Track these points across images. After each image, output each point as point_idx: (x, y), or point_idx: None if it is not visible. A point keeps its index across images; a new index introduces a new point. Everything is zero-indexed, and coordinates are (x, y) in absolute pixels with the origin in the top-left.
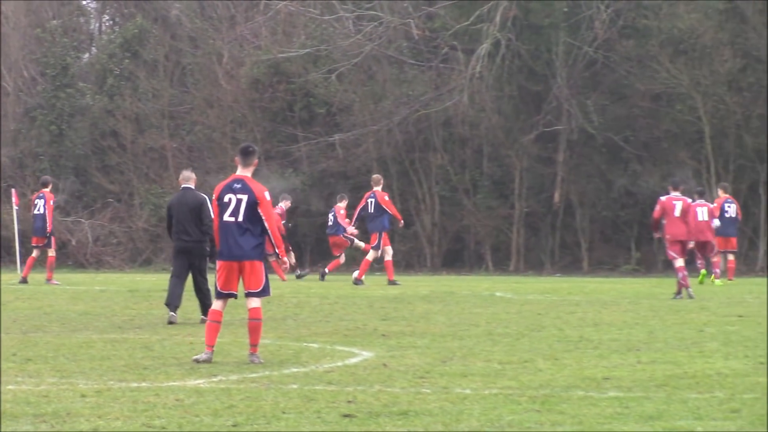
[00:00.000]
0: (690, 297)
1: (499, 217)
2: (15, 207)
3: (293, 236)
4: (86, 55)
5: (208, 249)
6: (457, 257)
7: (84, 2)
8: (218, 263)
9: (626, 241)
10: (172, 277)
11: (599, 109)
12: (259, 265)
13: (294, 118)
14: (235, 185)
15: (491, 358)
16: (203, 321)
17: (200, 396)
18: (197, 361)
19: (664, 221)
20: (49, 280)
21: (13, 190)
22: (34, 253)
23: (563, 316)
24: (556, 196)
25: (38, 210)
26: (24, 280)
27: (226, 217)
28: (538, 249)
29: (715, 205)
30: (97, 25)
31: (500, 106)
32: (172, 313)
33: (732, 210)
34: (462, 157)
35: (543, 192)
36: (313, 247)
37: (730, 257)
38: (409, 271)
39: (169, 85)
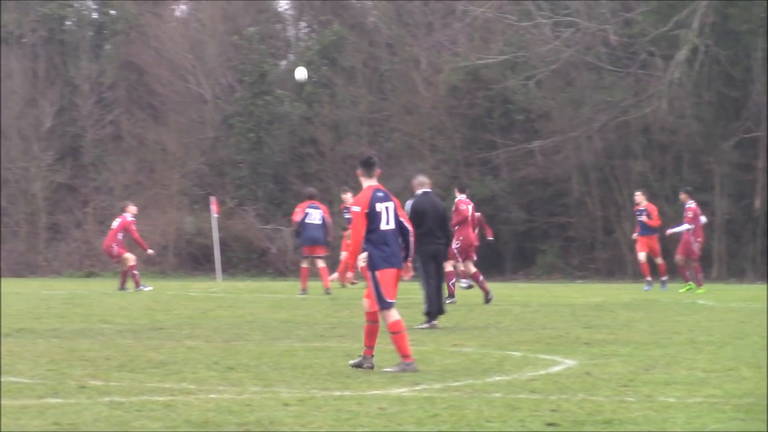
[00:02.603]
0: None
1: None
2: (215, 215)
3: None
4: (284, 62)
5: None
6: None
7: (281, 9)
8: (381, 272)
9: None
10: (427, 282)
11: None
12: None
13: (493, 125)
14: (378, 194)
15: (694, 366)
16: (432, 326)
17: (403, 405)
18: (355, 365)
19: None
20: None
21: (212, 198)
22: (306, 264)
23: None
24: (757, 203)
25: (313, 220)
26: (304, 292)
27: (384, 226)
28: (739, 256)
29: None
30: (294, 31)
31: (699, 112)
32: (433, 321)
33: None
34: (662, 163)
35: (743, 199)
36: (513, 255)
37: None
38: (610, 279)
39: (367, 92)
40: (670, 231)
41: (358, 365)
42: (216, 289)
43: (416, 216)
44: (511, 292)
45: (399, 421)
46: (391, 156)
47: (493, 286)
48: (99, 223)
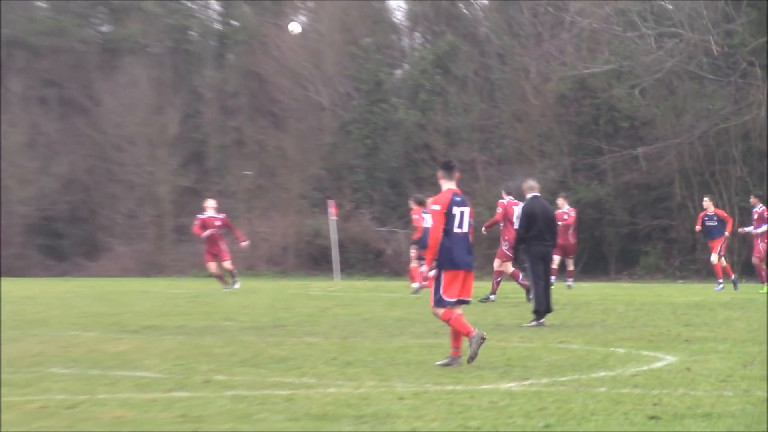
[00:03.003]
0: None
1: None
2: (333, 218)
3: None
4: (398, 71)
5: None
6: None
7: (397, 20)
8: (446, 273)
9: None
10: (536, 282)
11: None
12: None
13: (599, 132)
14: (456, 198)
15: None
16: (540, 324)
17: (513, 398)
18: (444, 365)
19: None
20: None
21: (330, 202)
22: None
23: None
24: None
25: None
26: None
27: (456, 229)
28: None
29: None
30: (409, 41)
31: None
32: (541, 320)
33: None
34: (760, 169)
35: None
36: (617, 256)
37: None
38: (709, 280)
39: (478, 100)
40: (742, 230)
41: (446, 364)
42: (334, 289)
43: (527, 219)
44: (616, 292)
45: (509, 414)
46: (501, 161)
47: (598, 286)
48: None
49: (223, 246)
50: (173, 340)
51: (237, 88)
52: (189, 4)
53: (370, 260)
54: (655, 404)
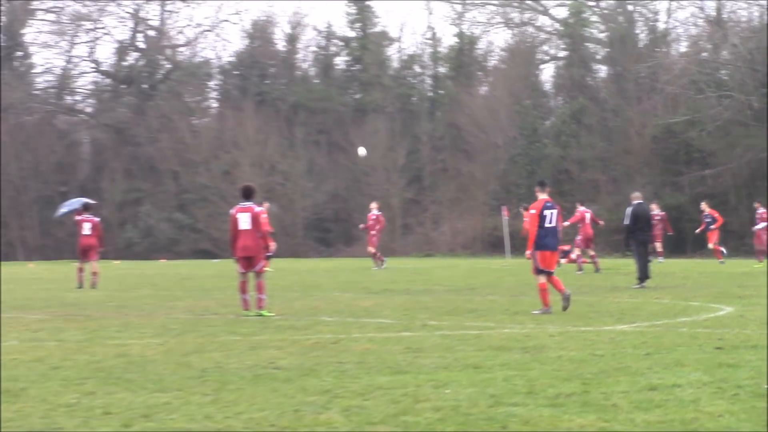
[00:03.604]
0: None
1: None
2: (505, 218)
3: (681, 234)
4: (547, 122)
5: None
6: None
7: (546, 88)
8: (541, 253)
9: None
10: (640, 259)
11: None
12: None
13: (679, 160)
14: (548, 204)
15: None
16: (641, 287)
17: (625, 336)
18: (542, 312)
19: None
20: None
21: (503, 207)
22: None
23: None
24: None
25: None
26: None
27: (547, 224)
28: None
29: None
30: (554, 102)
31: None
32: (643, 284)
33: None
34: None
35: None
36: (692, 242)
37: None
38: (752, 257)
39: (600, 140)
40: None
41: (543, 313)
42: (506, 264)
43: (634, 218)
44: (692, 265)
45: (622, 346)
46: (615, 180)
47: (680, 262)
48: (433, 223)
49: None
50: (401, 298)
51: (442, 133)
52: (411, 79)
53: None
54: (719, 339)
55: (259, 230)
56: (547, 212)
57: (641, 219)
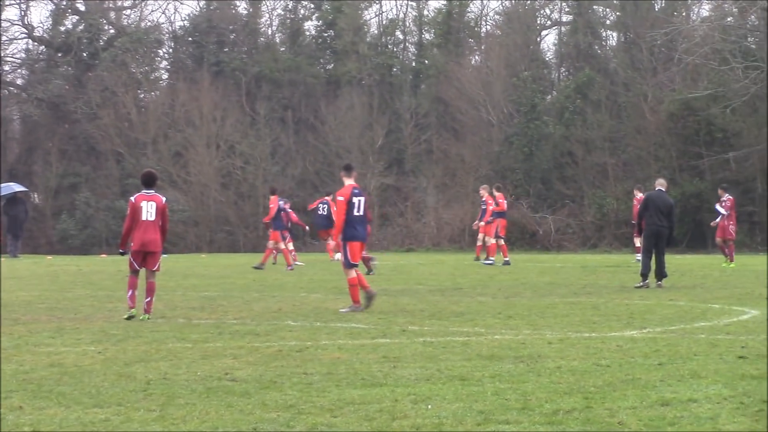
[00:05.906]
0: None
1: None
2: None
3: (700, 226)
4: (548, 97)
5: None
6: None
7: (548, 58)
8: (350, 244)
9: None
10: (644, 252)
11: None
12: None
13: (699, 141)
14: (356, 191)
15: None
16: (658, 286)
17: (634, 343)
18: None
19: None
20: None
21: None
22: None
23: None
24: None
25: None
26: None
27: (356, 212)
28: None
29: None
30: (557, 74)
31: None
32: (645, 282)
33: None
34: None
35: None
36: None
37: None
38: None
39: (608, 118)
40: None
41: (352, 310)
42: (500, 260)
43: (644, 204)
44: (712, 262)
45: (631, 355)
46: (625, 164)
47: (699, 258)
48: (416, 213)
49: None
50: (377, 299)
51: (427, 110)
52: (392, 47)
53: (527, 239)
54: (742, 347)
55: (164, 223)
56: (355, 200)
57: (651, 207)
